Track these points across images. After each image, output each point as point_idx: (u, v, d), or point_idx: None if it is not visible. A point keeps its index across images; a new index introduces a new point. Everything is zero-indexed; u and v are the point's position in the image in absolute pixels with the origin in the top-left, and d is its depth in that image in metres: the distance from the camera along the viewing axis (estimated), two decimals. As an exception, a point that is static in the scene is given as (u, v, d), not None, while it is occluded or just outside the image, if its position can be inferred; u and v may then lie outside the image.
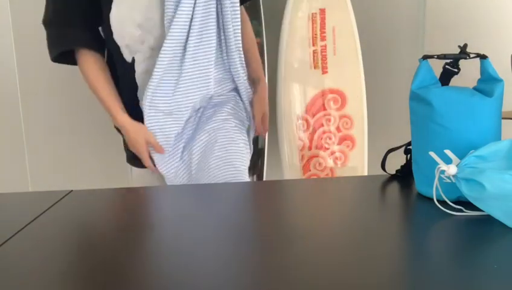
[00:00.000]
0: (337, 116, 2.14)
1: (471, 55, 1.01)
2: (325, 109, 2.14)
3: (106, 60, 1.46)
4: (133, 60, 1.39)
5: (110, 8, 1.33)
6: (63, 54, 1.41)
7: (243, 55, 1.44)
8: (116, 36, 1.36)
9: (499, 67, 1.01)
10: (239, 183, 1.30)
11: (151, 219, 1.01)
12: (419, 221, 0.95)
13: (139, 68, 1.40)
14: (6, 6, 2.34)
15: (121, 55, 1.39)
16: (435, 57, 1.02)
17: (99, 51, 1.42)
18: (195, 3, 1.32)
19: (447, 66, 1.03)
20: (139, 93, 1.42)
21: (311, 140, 2.15)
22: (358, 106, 2.12)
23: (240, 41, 1.42)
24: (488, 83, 0.99)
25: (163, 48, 1.33)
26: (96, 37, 1.41)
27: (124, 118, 1.39)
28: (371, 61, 2.15)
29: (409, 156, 1.12)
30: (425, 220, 0.93)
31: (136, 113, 1.41)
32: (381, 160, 1.16)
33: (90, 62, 1.41)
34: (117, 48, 1.38)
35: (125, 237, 0.86)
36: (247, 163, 1.42)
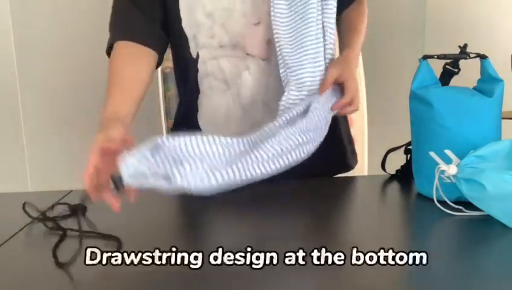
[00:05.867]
0: (337, 116, 2.13)
1: (471, 55, 1.01)
2: (325, 109, 2.13)
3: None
4: (198, 56, 1.13)
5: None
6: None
7: None
8: (185, 24, 1.11)
9: (499, 67, 1.01)
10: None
11: (153, 218, 1.01)
12: (419, 221, 0.95)
13: (202, 68, 1.13)
14: (7, 7, 2.34)
15: (188, 49, 1.13)
16: (435, 57, 1.02)
17: (151, 46, 1.10)
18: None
19: (447, 66, 1.03)
20: (199, 101, 1.16)
21: (311, 140, 2.13)
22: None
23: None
24: (488, 83, 0.99)
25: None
26: (153, 30, 1.11)
27: (109, 110, 0.96)
28: (371, 61, 2.15)
29: (409, 156, 1.12)
30: (425, 220, 0.93)
31: (193, 125, 1.14)
32: (381, 160, 1.16)
33: (120, 52, 1.08)
34: (185, 39, 1.13)
35: (125, 237, 0.86)
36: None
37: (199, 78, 1.13)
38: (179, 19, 1.10)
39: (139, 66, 1.07)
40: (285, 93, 1.03)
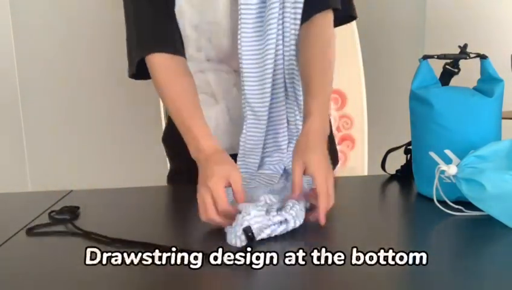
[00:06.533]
0: (337, 116, 2.14)
1: (471, 55, 1.01)
2: (325, 109, 2.13)
3: None
4: None
5: (173, 2, 1.07)
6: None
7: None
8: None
9: (499, 67, 1.01)
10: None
11: (153, 218, 1.01)
12: (419, 221, 0.95)
13: None
14: (6, 7, 2.34)
15: None
16: (435, 57, 1.02)
17: (179, 53, 1.08)
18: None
19: (447, 66, 1.03)
20: None
21: (311, 140, 2.14)
22: (358, 106, 2.12)
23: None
24: (488, 83, 0.99)
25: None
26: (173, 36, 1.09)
27: (211, 144, 0.96)
28: (371, 61, 2.15)
29: (409, 156, 1.12)
30: (425, 220, 0.93)
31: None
32: (381, 160, 1.16)
33: (165, 67, 1.05)
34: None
35: (125, 237, 0.86)
36: None
37: None
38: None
39: (190, 78, 1.06)
40: (244, 131, 1.07)
